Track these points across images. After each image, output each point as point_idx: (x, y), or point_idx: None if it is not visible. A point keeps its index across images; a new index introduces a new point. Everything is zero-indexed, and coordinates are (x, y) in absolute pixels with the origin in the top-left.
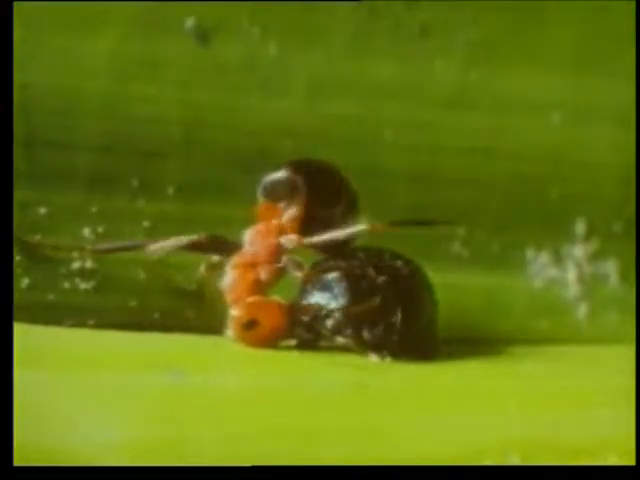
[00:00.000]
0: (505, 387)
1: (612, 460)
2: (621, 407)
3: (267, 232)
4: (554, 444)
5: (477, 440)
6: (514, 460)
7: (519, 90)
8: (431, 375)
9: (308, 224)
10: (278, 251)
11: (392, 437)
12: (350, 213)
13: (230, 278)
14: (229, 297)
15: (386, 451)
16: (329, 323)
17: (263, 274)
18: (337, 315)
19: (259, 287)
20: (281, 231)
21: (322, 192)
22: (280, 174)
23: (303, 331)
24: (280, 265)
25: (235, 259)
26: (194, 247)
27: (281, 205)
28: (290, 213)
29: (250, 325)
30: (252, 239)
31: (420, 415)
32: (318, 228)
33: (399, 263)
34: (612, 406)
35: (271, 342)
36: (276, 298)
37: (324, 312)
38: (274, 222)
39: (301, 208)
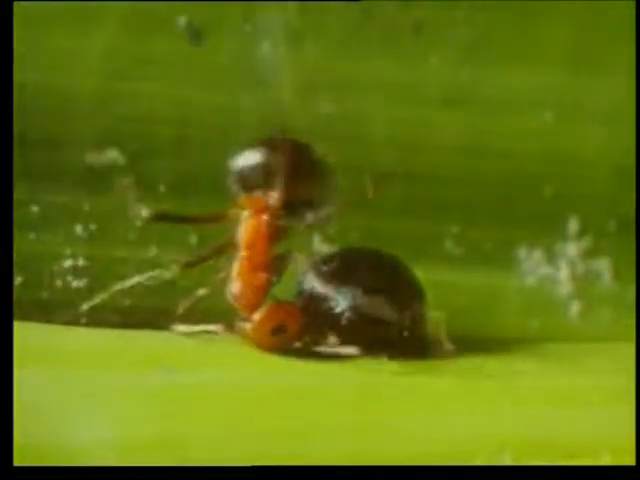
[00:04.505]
0: (497, 385)
1: (605, 459)
2: (615, 405)
3: (260, 229)
4: (547, 443)
5: (469, 439)
6: (507, 459)
7: (513, 88)
8: (423, 374)
9: (292, 206)
10: (275, 246)
11: (386, 437)
12: (328, 190)
13: (238, 286)
14: (242, 304)
15: (379, 451)
16: (342, 324)
17: (266, 277)
18: (349, 315)
19: (268, 288)
20: (272, 222)
21: (300, 172)
22: (253, 158)
23: (312, 333)
24: (281, 262)
25: (239, 264)
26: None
27: (260, 194)
28: (274, 201)
29: (278, 330)
30: (250, 239)
31: (413, 414)
32: (301, 208)
33: (396, 262)
34: (606, 404)
35: (291, 345)
36: (292, 302)
37: (336, 314)
38: (264, 218)
39: (282, 193)
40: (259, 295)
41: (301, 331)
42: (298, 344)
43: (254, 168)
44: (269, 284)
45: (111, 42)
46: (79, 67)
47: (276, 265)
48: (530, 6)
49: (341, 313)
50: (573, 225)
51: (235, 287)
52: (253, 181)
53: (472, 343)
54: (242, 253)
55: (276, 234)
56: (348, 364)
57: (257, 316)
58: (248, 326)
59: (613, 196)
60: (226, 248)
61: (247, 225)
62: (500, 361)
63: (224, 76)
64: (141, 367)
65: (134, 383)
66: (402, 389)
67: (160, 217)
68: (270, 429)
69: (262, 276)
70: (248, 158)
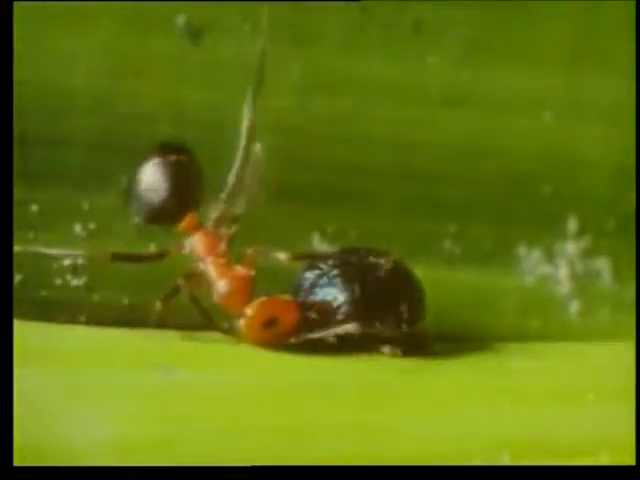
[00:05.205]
0: (496, 385)
1: (605, 459)
2: (615, 405)
3: (212, 237)
4: (546, 442)
5: (468, 439)
6: (506, 459)
7: (512, 88)
8: (422, 373)
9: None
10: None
11: (384, 436)
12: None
13: (225, 284)
14: (233, 301)
15: (378, 450)
16: (339, 318)
17: (247, 270)
18: (346, 309)
19: (252, 283)
20: (217, 231)
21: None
22: (159, 199)
23: (310, 328)
24: (252, 258)
25: (214, 268)
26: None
27: (192, 215)
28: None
29: (270, 323)
30: (207, 247)
31: (411, 413)
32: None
33: (393, 258)
34: (605, 404)
35: (286, 340)
36: (287, 296)
37: (333, 308)
38: (208, 230)
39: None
40: (247, 288)
41: (296, 326)
42: (294, 340)
43: (164, 206)
44: (251, 277)
45: (110, 41)
46: (78, 66)
47: (247, 262)
48: (529, 6)
49: (338, 307)
50: (572, 224)
51: (222, 286)
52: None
53: (471, 342)
54: (208, 260)
55: (225, 236)
56: (347, 362)
57: (249, 311)
58: (241, 322)
59: (612, 195)
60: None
61: (195, 239)
62: (499, 360)
63: (223, 75)
64: (141, 366)
65: (134, 382)
66: (401, 388)
67: (117, 257)
68: (270, 428)
69: (242, 269)
70: (155, 200)
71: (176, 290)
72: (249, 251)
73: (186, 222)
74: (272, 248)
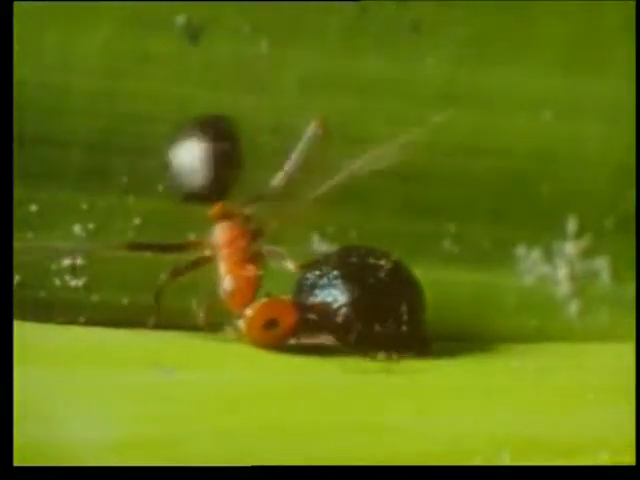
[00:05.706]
0: (495, 385)
1: (605, 459)
2: (614, 405)
3: (237, 229)
4: (545, 442)
5: (468, 439)
6: (505, 459)
7: (510, 87)
8: (422, 373)
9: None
10: (254, 244)
11: (383, 436)
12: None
13: (230, 282)
14: (235, 300)
15: (377, 450)
16: (338, 320)
17: (255, 269)
18: (346, 311)
19: (258, 283)
20: (245, 224)
21: (238, 161)
22: (200, 176)
23: (310, 330)
24: (264, 257)
25: (225, 262)
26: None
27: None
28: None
29: (270, 325)
30: (228, 238)
31: (410, 413)
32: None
33: (393, 259)
34: (605, 404)
35: (286, 341)
36: (287, 297)
37: (333, 309)
38: (236, 219)
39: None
40: (251, 288)
41: (295, 327)
42: (294, 341)
43: (205, 186)
44: (258, 277)
45: (110, 41)
46: (78, 66)
47: (258, 261)
48: (528, 5)
49: (338, 309)
50: (572, 224)
51: (227, 283)
52: (209, 196)
53: (470, 342)
54: (223, 251)
55: (250, 231)
56: (347, 362)
57: (249, 311)
58: (241, 323)
59: (612, 194)
60: (203, 262)
61: (220, 227)
62: (498, 360)
63: (222, 75)
64: (141, 366)
65: (134, 382)
66: (401, 388)
67: (134, 247)
68: (270, 428)
69: (251, 268)
70: (196, 177)
71: (170, 279)
72: (263, 248)
73: (214, 210)
74: (282, 251)
